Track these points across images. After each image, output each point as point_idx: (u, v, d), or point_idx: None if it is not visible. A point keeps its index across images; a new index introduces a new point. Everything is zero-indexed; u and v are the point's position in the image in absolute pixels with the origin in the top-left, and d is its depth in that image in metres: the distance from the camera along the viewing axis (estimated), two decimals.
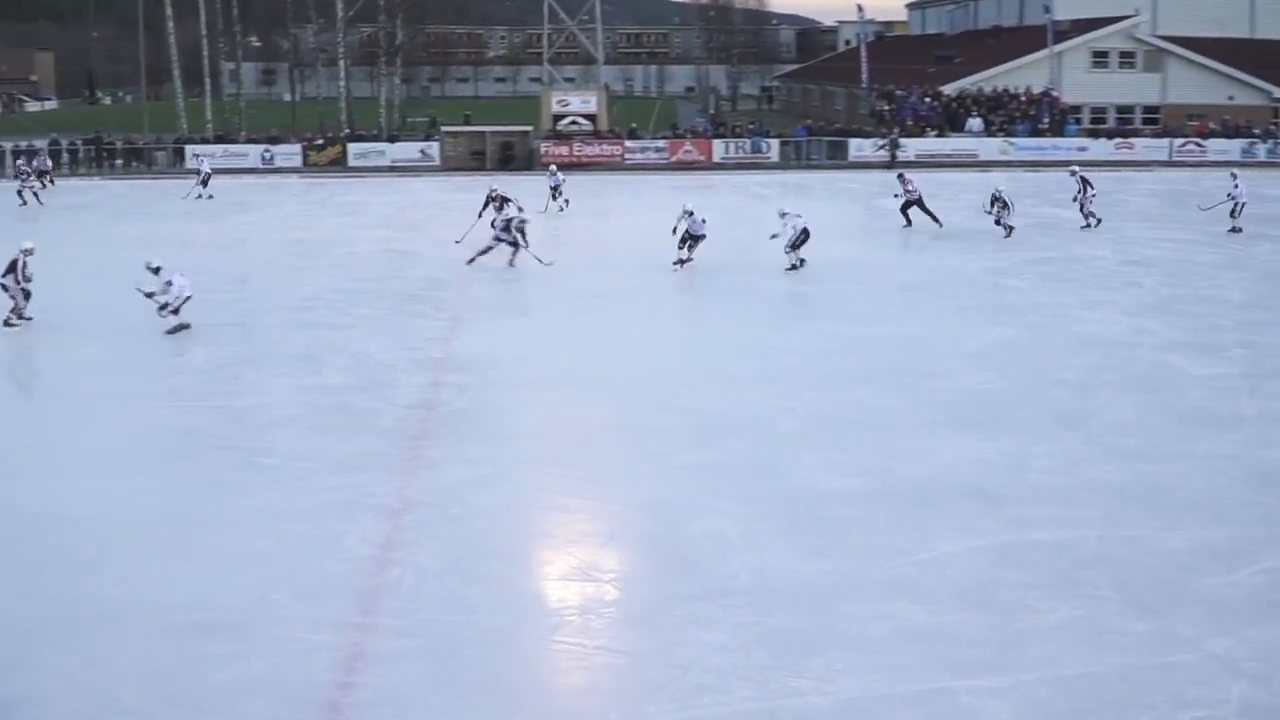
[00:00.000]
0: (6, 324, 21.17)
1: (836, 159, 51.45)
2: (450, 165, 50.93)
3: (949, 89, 57.59)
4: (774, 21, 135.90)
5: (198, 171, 42.78)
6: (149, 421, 16.19)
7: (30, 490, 13.55)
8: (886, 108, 56.78)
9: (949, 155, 50.92)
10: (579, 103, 55.02)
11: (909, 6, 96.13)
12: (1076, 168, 34.01)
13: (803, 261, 26.07)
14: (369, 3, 65.60)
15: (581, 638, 10.13)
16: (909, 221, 31.89)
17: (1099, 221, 32.08)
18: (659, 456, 14.55)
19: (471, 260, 26.31)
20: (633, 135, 54.40)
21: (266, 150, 52.03)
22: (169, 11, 59.80)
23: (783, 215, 26.57)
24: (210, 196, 39.85)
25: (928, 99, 55.96)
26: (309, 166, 51.35)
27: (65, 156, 52.63)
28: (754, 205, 33.62)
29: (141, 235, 32.83)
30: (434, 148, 52.22)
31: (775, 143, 52.53)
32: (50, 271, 26.97)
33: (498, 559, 11.61)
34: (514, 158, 51.09)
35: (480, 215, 29.28)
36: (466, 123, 61.47)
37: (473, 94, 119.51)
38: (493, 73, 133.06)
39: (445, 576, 11.18)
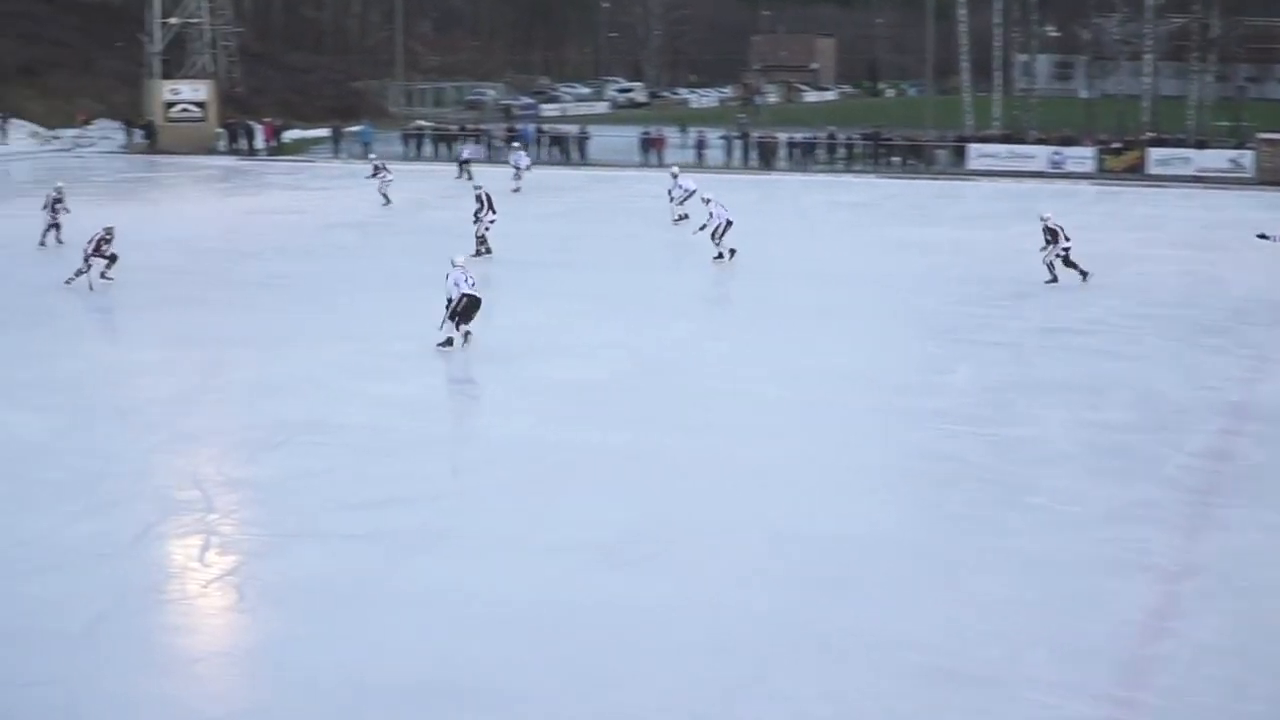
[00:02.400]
0: None
1: None
2: (1267, 178, 48.72)
3: None
4: None
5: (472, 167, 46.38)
6: (908, 443, 16.77)
7: (780, 503, 14.45)
8: None
9: None
10: None
11: None
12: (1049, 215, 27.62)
13: (732, 252, 29.32)
14: None
15: None
16: None
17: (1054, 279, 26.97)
18: None
19: None
20: None
21: (1056, 152, 52.24)
22: None
23: (706, 202, 30.10)
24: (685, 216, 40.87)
25: None
26: (1103, 172, 50.98)
27: (841, 151, 55.61)
28: None
29: (919, 239, 34.07)
30: (1247, 157, 50.15)
31: None
32: (824, 271, 28.61)
33: None
34: None
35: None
36: None
37: None
38: None
39: (1227, 658, 10.74)
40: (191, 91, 65.55)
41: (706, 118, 76.51)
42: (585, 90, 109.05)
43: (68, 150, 63.37)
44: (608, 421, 17.56)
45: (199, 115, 64.88)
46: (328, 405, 18.16)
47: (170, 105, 64.75)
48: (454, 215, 38.60)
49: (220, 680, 10.58)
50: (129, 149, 63.47)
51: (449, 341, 21.19)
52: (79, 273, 25.99)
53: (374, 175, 42.08)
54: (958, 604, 11.76)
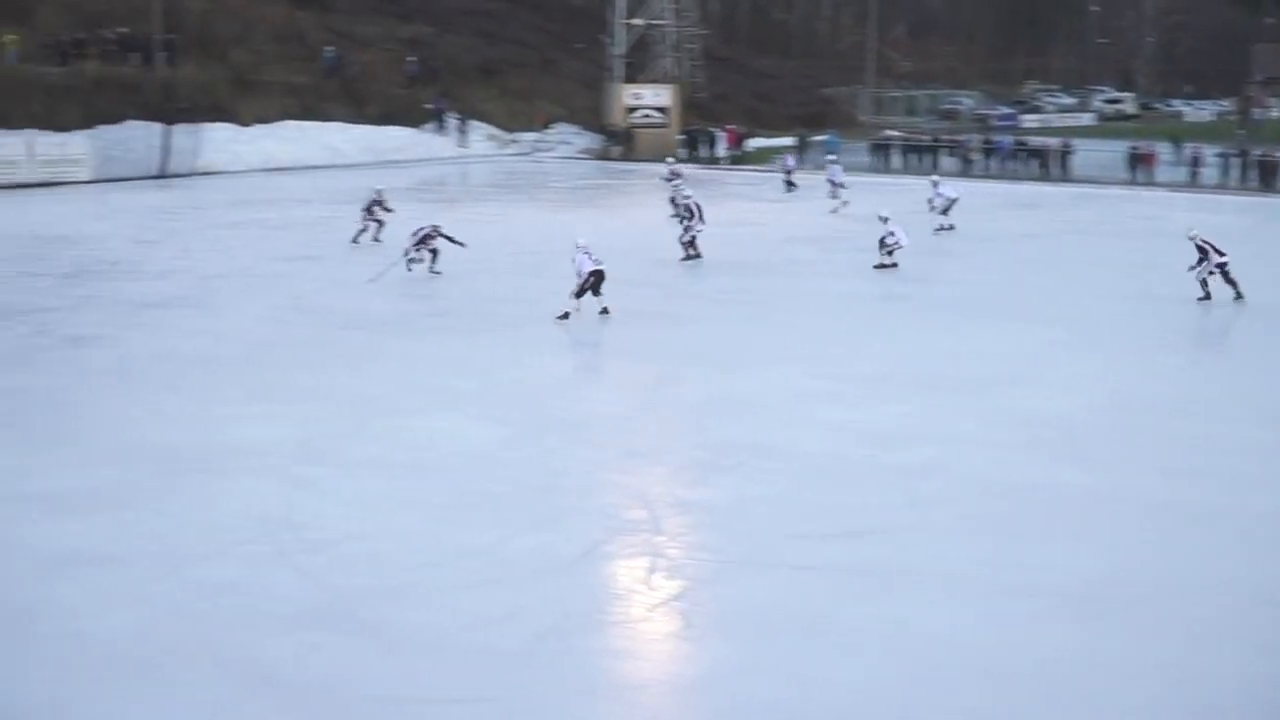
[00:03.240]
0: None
1: None
2: None
3: None
4: None
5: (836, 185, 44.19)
6: None
7: (1269, 563, 13.78)
8: None
9: None
10: None
11: None
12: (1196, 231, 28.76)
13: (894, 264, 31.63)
14: None
15: None
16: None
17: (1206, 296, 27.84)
18: None
19: None
20: None
21: None
22: None
23: (885, 220, 32.14)
24: (950, 226, 38.24)
25: None
26: None
27: None
28: None
29: None
30: None
31: None
32: None
33: None
34: None
35: None
36: None
37: None
38: None
39: None
40: (654, 96, 67.44)
41: (1202, 133, 73.59)
42: (1069, 100, 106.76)
43: (526, 154, 66.15)
44: (1080, 459, 17.09)
45: (661, 121, 66.67)
46: (780, 428, 18.31)
47: (631, 110, 66.74)
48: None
49: (661, 709, 10.77)
50: (595, 154, 65.73)
51: (566, 315, 25.12)
52: (408, 258, 29.55)
53: (669, 180, 42.23)
54: None
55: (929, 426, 18.50)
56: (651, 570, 13.27)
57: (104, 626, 11.84)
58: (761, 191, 51.29)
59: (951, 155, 60.11)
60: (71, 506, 14.89)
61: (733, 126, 66.36)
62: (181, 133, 53.35)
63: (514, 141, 68.01)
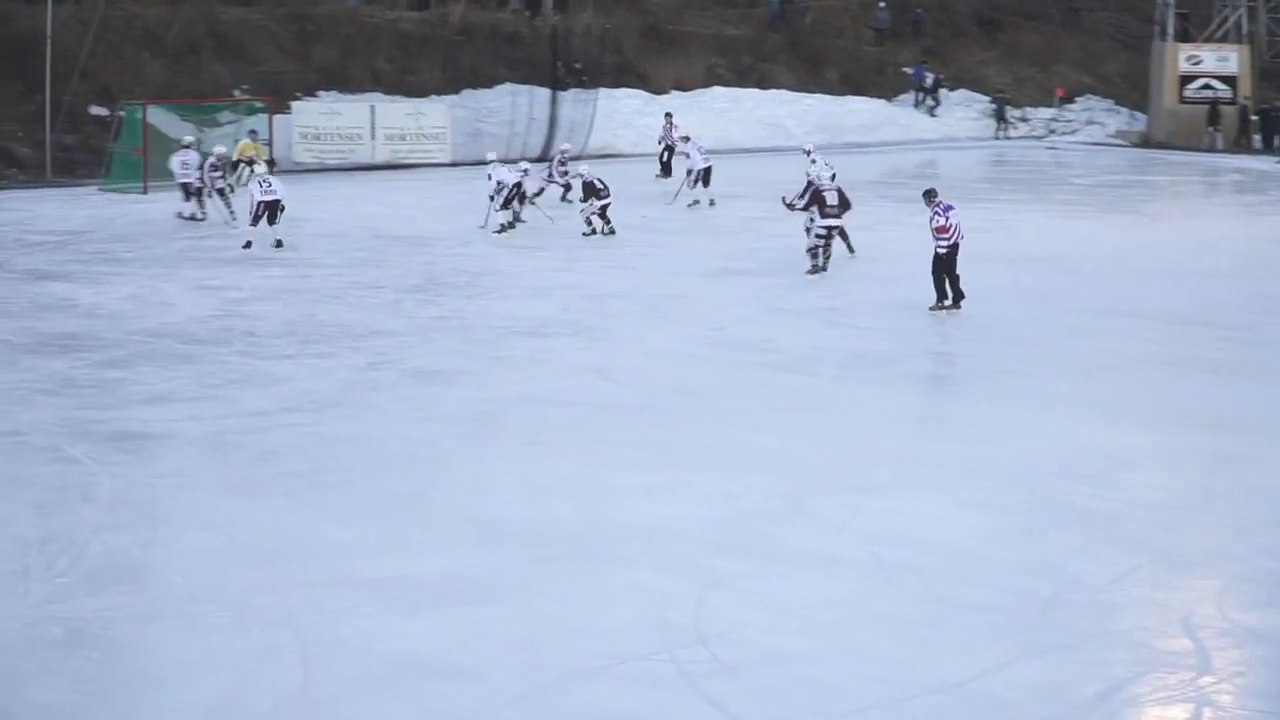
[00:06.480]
0: None
1: None
2: None
3: None
4: None
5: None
6: None
7: None
8: None
9: None
10: None
11: None
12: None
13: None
14: None
15: None
16: None
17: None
18: None
19: None
20: None
21: None
22: None
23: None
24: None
25: None
26: None
27: None
28: None
29: None
30: None
31: None
32: None
33: None
34: None
35: None
36: None
37: None
38: None
39: None
40: (1217, 61, 65.69)
41: None
42: None
43: (1039, 138, 65.60)
44: None
45: (1225, 95, 64.93)
46: None
47: (1186, 80, 65.12)
48: None
49: None
50: (1134, 140, 64.82)
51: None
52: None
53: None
54: None
55: None
56: None
57: None
58: None
59: None
60: (410, 598, 15.20)
61: None
62: (573, 101, 54.46)
63: (1023, 120, 67.45)
